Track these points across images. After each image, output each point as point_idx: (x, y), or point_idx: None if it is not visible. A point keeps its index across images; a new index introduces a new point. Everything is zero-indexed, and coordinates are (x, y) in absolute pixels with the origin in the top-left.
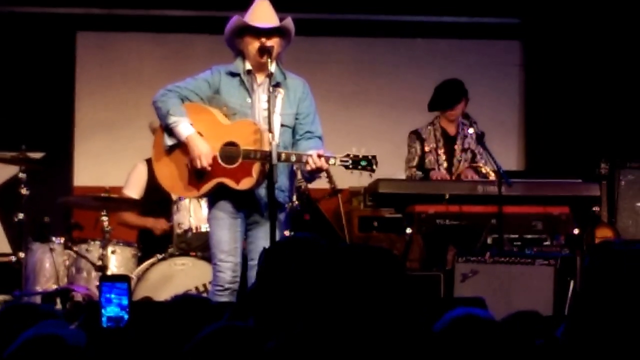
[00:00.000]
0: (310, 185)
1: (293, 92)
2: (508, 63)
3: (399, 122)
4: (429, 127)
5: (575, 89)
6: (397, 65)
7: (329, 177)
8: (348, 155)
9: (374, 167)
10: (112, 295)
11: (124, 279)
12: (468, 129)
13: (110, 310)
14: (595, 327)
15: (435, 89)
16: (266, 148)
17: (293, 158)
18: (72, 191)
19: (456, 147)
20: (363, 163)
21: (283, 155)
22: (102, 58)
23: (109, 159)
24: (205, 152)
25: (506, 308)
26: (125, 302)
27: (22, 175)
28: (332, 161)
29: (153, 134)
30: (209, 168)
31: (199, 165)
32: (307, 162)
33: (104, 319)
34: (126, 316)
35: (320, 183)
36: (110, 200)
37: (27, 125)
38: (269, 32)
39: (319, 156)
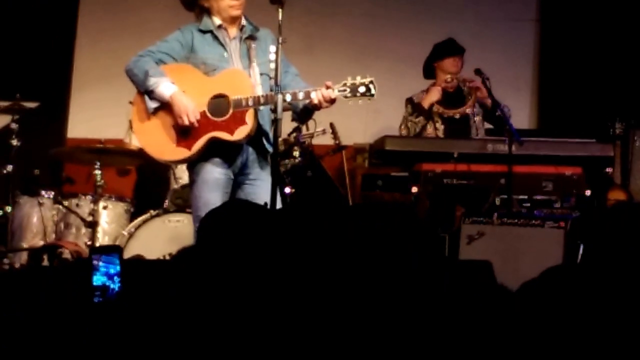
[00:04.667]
0: (314, 141)
1: (264, 41)
2: (523, 17)
3: (408, 77)
4: (421, 94)
5: (593, 46)
6: (407, 18)
7: (334, 132)
8: (345, 84)
9: (373, 91)
10: (100, 263)
11: (114, 249)
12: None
13: (97, 280)
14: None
15: (434, 46)
16: (257, 93)
17: (301, 95)
18: (66, 143)
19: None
20: (362, 89)
21: (289, 96)
22: (106, 6)
23: (105, 111)
24: (190, 107)
25: (513, 272)
26: (112, 271)
27: (14, 125)
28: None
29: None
30: (197, 124)
31: (186, 122)
32: (314, 97)
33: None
34: (114, 285)
35: (324, 139)
36: (103, 152)
37: (23, 74)
38: None
39: (327, 87)
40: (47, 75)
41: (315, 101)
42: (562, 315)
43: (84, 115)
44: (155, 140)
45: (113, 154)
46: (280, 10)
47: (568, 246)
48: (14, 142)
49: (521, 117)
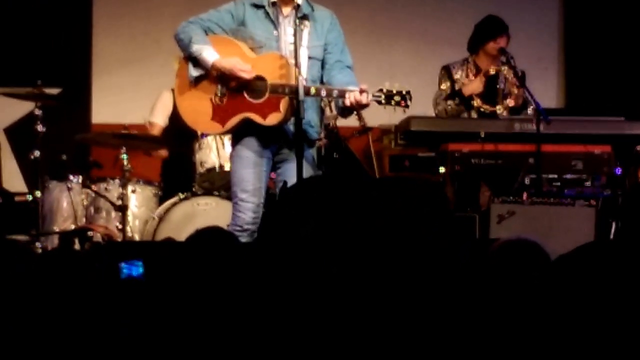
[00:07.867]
0: (339, 123)
1: (320, 24)
2: None
3: (431, 58)
4: (461, 66)
5: (619, 22)
6: None
7: (359, 114)
8: (381, 90)
9: (408, 102)
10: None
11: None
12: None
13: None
14: None
15: (475, 26)
16: (294, 82)
17: (335, 93)
18: (90, 128)
19: (498, 89)
20: (397, 98)
21: (324, 91)
22: None
23: (128, 96)
24: (237, 60)
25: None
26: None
27: (38, 111)
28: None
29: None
30: (250, 75)
31: (247, 77)
32: (347, 98)
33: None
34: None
35: (350, 121)
36: (130, 138)
37: (44, 60)
38: None
39: (362, 91)
40: (67, 61)
41: (347, 103)
42: (595, 290)
43: (107, 100)
44: (192, 108)
45: (138, 139)
46: None
47: (599, 224)
48: (39, 128)
49: (548, 96)
